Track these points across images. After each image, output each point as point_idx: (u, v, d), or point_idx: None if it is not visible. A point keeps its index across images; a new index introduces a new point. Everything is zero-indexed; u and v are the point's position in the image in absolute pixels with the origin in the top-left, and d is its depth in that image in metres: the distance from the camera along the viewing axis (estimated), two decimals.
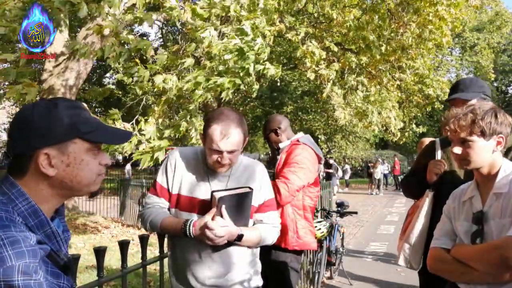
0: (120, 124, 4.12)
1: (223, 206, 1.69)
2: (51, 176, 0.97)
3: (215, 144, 1.71)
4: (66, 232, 1.07)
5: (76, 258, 1.46)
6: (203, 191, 1.79)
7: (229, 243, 1.75)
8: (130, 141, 3.98)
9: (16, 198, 0.95)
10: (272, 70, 4.27)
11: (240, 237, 1.73)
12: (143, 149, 3.99)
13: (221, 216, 1.69)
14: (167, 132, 4.21)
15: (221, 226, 1.67)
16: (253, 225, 1.88)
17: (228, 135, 1.70)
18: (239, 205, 1.75)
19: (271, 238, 1.89)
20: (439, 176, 2.08)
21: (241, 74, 4.01)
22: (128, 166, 17.53)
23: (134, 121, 4.40)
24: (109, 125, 1.15)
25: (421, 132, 12.83)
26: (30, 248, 0.85)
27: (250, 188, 1.78)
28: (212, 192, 1.72)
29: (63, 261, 0.98)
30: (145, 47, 3.99)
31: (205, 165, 1.82)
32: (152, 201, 1.86)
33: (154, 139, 4.09)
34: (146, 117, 4.42)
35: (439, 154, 2.19)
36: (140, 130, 4.15)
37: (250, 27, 4.26)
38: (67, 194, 1.04)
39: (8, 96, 3.91)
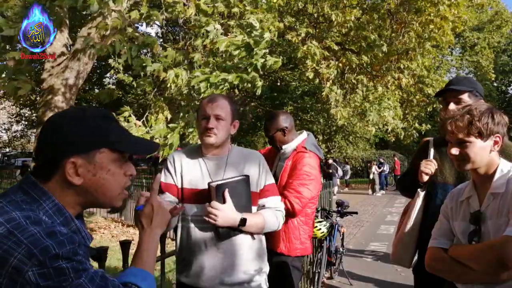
0: (132, 121, 4.12)
1: (226, 190, 1.74)
2: (76, 185, 0.99)
3: (202, 110, 1.83)
4: (86, 231, 1.11)
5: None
6: (202, 181, 1.84)
7: (235, 233, 1.78)
8: (140, 135, 4.00)
9: (39, 197, 0.97)
10: (272, 61, 4.25)
11: (243, 221, 1.75)
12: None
13: (224, 202, 1.73)
14: (177, 130, 4.19)
15: (217, 209, 1.71)
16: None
17: (215, 101, 1.83)
18: (237, 192, 1.79)
19: (276, 222, 1.91)
20: (429, 176, 2.09)
21: (249, 70, 4.00)
22: None
23: (144, 118, 4.42)
24: (135, 135, 1.18)
25: (424, 130, 12.76)
26: (66, 236, 0.91)
27: (246, 175, 1.83)
28: (209, 183, 1.77)
29: (95, 251, 1.05)
30: (152, 43, 3.99)
31: (202, 157, 1.87)
32: None
33: (164, 136, 4.10)
34: (156, 115, 4.44)
35: (431, 154, 2.19)
36: (151, 127, 4.16)
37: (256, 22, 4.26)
38: (90, 204, 1.05)
39: (3, 90, 3.93)
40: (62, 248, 0.88)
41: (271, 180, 1.96)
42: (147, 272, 1.12)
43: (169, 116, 4.48)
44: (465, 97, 2.10)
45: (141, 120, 4.32)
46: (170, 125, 4.16)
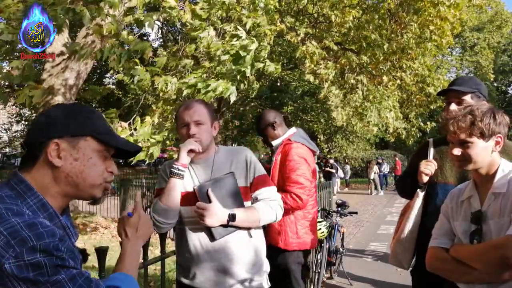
0: (117, 123, 4.13)
1: (209, 189, 1.77)
2: (57, 166, 1.00)
3: (180, 118, 1.84)
4: (74, 228, 1.10)
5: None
6: (191, 184, 1.87)
7: (229, 230, 1.79)
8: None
9: (24, 192, 0.97)
10: (272, 67, 4.27)
11: (232, 216, 1.76)
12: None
13: (210, 202, 1.76)
14: (160, 136, 4.22)
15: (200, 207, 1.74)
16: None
17: (191, 108, 1.85)
18: (224, 189, 1.81)
19: (273, 212, 1.90)
20: (429, 176, 2.07)
21: (238, 77, 4.02)
22: None
23: (131, 120, 4.41)
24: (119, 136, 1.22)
25: (429, 128, 12.71)
26: (47, 228, 0.89)
27: (230, 172, 1.85)
28: (194, 186, 1.82)
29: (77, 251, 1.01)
30: (144, 48, 3.99)
31: (190, 163, 1.87)
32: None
33: (148, 140, 4.11)
34: (143, 117, 4.43)
35: (431, 154, 2.18)
36: (135, 129, 4.16)
37: (250, 25, 4.27)
38: (71, 193, 1.05)
39: (19, 102, 3.98)
40: (40, 241, 0.85)
41: (261, 172, 1.95)
42: (130, 276, 1.13)
43: (156, 120, 4.49)
44: (467, 98, 2.06)
45: (128, 122, 4.32)
46: (155, 136, 4.16)
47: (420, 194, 2.10)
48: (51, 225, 0.92)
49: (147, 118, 4.38)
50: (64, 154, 1.01)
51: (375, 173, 18.40)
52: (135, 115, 4.55)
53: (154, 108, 4.67)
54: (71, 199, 1.08)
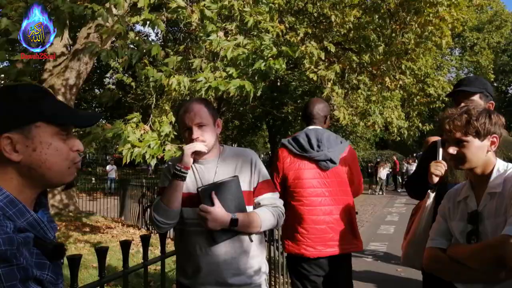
0: (142, 128, 4.14)
1: (213, 193, 1.75)
2: (16, 161, 0.93)
3: (182, 122, 1.81)
4: (52, 223, 1.03)
5: (77, 258, 1.46)
6: (194, 185, 1.85)
7: (230, 234, 1.78)
8: (156, 143, 3.99)
9: None
10: (277, 65, 4.31)
11: (234, 221, 1.74)
12: (169, 150, 4.05)
13: (212, 205, 1.73)
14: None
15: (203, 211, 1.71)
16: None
17: (191, 110, 1.80)
18: (227, 193, 1.79)
19: (273, 218, 1.88)
20: (439, 177, 2.07)
21: (256, 78, 4.06)
22: (109, 167, 17.36)
23: (150, 122, 4.44)
24: (78, 109, 1.11)
25: (427, 130, 12.70)
26: (5, 236, 0.83)
27: (234, 176, 1.82)
28: (198, 188, 1.79)
29: (51, 246, 0.96)
30: (156, 51, 4.01)
31: (194, 163, 1.85)
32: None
33: (171, 138, 4.15)
34: (159, 118, 4.47)
35: (440, 155, 2.18)
36: (159, 132, 4.17)
37: (252, 23, 4.30)
38: (39, 184, 0.99)
39: None
40: None
41: (266, 177, 1.93)
42: None
43: (173, 120, 4.51)
44: (476, 98, 2.09)
45: (148, 125, 4.34)
46: (177, 145, 4.19)
47: (431, 195, 2.10)
48: (11, 230, 0.85)
49: (164, 118, 4.40)
50: (20, 147, 0.92)
51: (387, 174, 18.36)
52: (151, 117, 4.58)
53: (167, 107, 4.69)
54: (41, 189, 1.02)
